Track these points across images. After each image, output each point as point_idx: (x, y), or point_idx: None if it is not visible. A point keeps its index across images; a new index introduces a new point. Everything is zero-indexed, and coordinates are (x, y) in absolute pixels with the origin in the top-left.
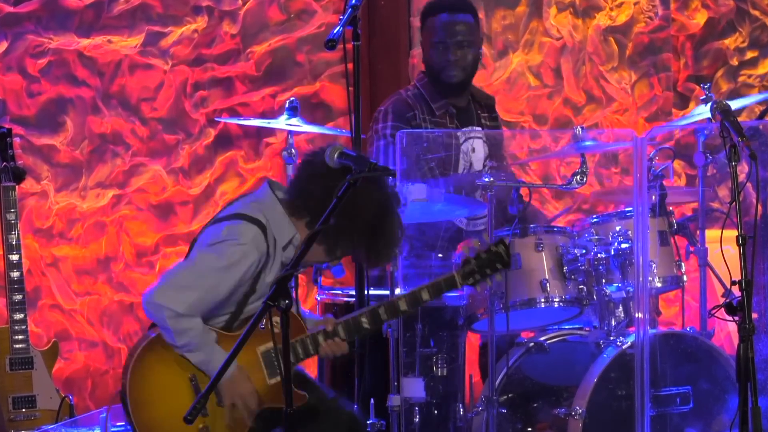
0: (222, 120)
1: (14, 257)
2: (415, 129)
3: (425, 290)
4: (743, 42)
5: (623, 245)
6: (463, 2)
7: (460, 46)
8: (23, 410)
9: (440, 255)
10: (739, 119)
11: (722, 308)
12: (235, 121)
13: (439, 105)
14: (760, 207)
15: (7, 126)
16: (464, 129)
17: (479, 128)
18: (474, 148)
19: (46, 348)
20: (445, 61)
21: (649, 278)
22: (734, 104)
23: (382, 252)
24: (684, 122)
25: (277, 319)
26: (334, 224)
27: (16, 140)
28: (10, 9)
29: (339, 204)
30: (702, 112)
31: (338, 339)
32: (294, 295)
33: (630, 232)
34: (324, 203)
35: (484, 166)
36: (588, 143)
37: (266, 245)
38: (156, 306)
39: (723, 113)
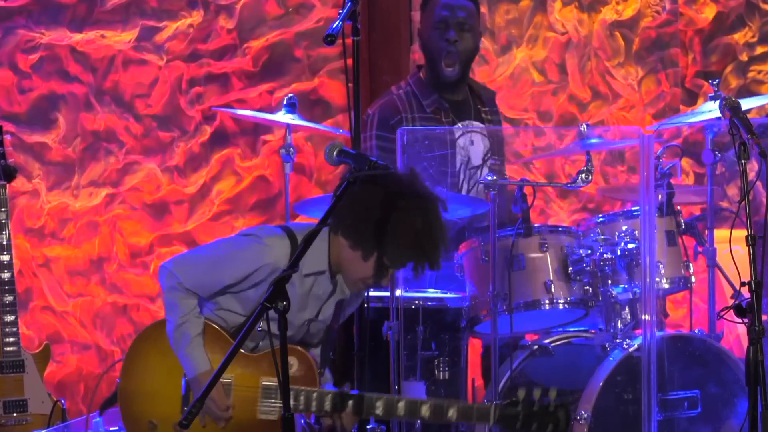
0: (218, 109)
1: (5, 258)
2: None
3: (454, 408)
4: (753, 37)
5: (630, 245)
6: None
7: (461, 27)
8: (14, 414)
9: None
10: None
11: (731, 310)
12: (231, 111)
13: (430, 101)
14: None
15: None
16: (461, 123)
17: (478, 123)
18: (473, 140)
19: (37, 351)
20: (444, 42)
21: (657, 279)
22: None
23: (404, 252)
24: (692, 119)
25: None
26: (354, 227)
27: (7, 138)
28: (0, 3)
29: (337, 204)
30: (711, 108)
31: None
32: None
33: (637, 231)
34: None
35: (484, 161)
36: (593, 141)
37: (288, 261)
38: (164, 269)
39: (732, 110)
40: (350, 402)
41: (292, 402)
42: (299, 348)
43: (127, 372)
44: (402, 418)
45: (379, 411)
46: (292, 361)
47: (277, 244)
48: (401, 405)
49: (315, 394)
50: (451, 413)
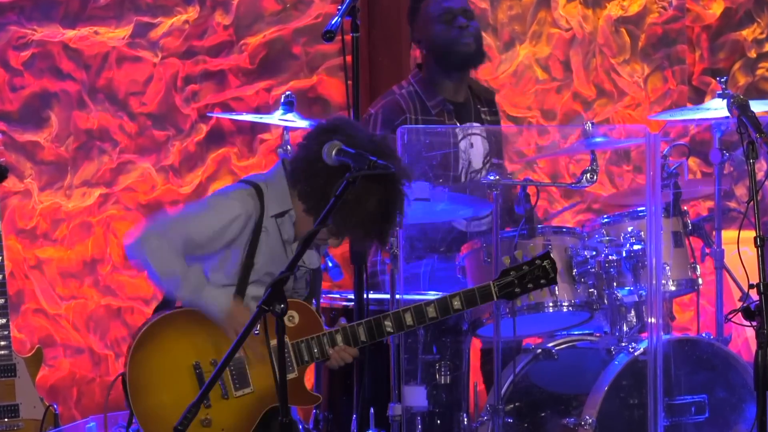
0: (214, 115)
1: None
2: None
3: (457, 298)
4: (761, 33)
5: (635, 247)
6: None
7: (466, 15)
8: (5, 420)
9: (443, 257)
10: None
11: (739, 313)
12: (227, 116)
13: (435, 102)
14: None
15: None
16: (463, 126)
17: (478, 124)
18: (472, 143)
19: (29, 354)
20: (456, 29)
21: (663, 281)
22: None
23: (352, 231)
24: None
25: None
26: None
27: None
28: None
29: (337, 203)
30: (718, 106)
31: (349, 345)
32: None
33: (642, 232)
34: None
35: (484, 164)
36: (598, 140)
37: (259, 207)
38: (137, 243)
39: (740, 108)
40: (362, 329)
41: (306, 356)
42: (295, 300)
43: (150, 390)
44: (412, 327)
45: (390, 328)
46: (293, 313)
47: (243, 194)
48: (408, 316)
49: (326, 338)
50: (456, 304)
